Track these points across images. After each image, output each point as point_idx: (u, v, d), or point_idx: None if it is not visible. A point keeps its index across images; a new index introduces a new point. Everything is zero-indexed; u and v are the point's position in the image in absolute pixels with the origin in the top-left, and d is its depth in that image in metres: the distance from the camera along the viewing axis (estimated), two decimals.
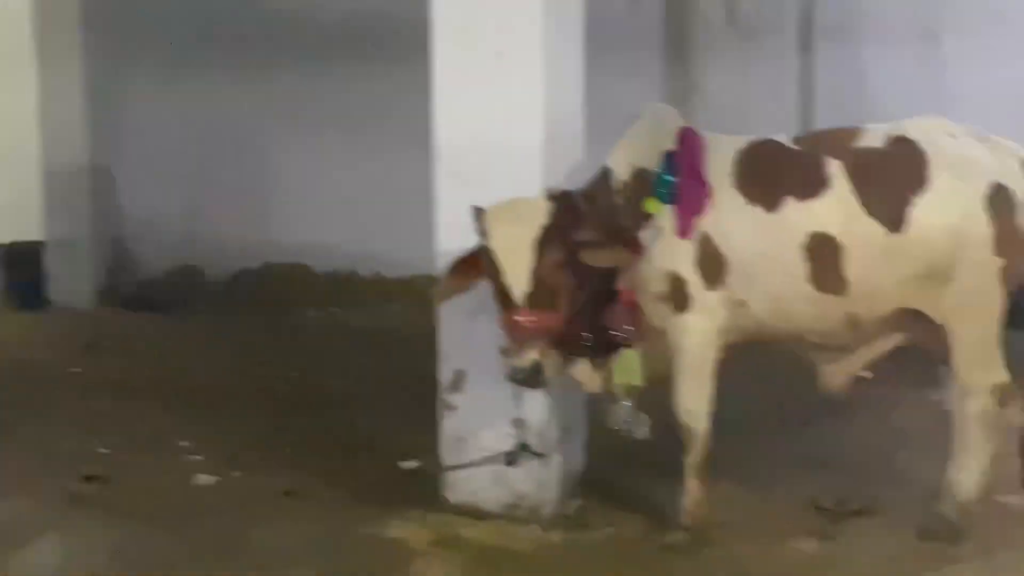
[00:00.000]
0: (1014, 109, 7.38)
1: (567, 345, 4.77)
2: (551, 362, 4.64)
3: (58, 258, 10.06)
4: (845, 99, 8.63)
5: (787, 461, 5.78)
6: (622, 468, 5.46)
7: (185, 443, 6.07)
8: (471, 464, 5.05)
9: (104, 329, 9.14)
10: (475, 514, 5.06)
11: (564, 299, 4.59)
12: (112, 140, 10.08)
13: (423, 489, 5.26)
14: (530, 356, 4.50)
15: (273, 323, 9.21)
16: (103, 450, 5.98)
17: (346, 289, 9.65)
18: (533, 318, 4.50)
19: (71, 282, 10.00)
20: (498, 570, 4.68)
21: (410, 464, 5.62)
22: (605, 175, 4.90)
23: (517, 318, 4.50)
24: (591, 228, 4.62)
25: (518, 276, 4.51)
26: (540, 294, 4.52)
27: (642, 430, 4.91)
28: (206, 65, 9.83)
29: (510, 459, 4.99)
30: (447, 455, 5.17)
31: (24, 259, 10.16)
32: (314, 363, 7.90)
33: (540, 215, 4.57)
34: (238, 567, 4.59)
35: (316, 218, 9.69)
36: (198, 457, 5.87)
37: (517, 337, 4.51)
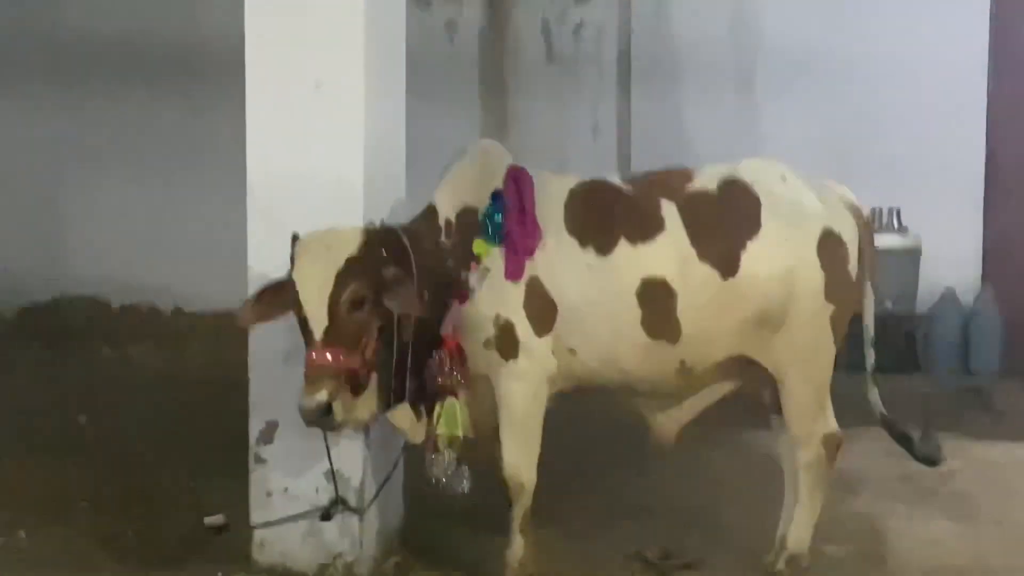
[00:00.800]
0: (822, 157, 7.45)
1: (370, 389, 4.43)
2: (344, 405, 4.28)
3: None
4: (661, 138, 8.61)
5: (610, 510, 5.60)
6: (444, 522, 5.17)
7: None
8: (282, 521, 4.69)
9: None
10: (286, 575, 4.69)
11: (366, 339, 4.28)
12: None
13: (228, 549, 4.86)
14: (319, 396, 4.18)
15: (64, 361, 8.60)
16: None
17: (144, 325, 9.11)
18: (327, 356, 4.18)
19: None
20: None
21: (215, 520, 5.20)
22: (430, 213, 4.63)
23: (312, 354, 4.19)
24: (398, 268, 4.32)
25: (316, 309, 4.20)
26: (338, 331, 4.21)
27: (462, 483, 4.62)
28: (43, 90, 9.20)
29: (325, 514, 4.65)
30: (255, 511, 4.78)
31: None
32: (108, 406, 7.35)
33: (349, 247, 4.27)
34: None
35: (112, 250, 9.15)
36: None
37: (310, 374, 4.20)
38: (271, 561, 4.74)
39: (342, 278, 4.22)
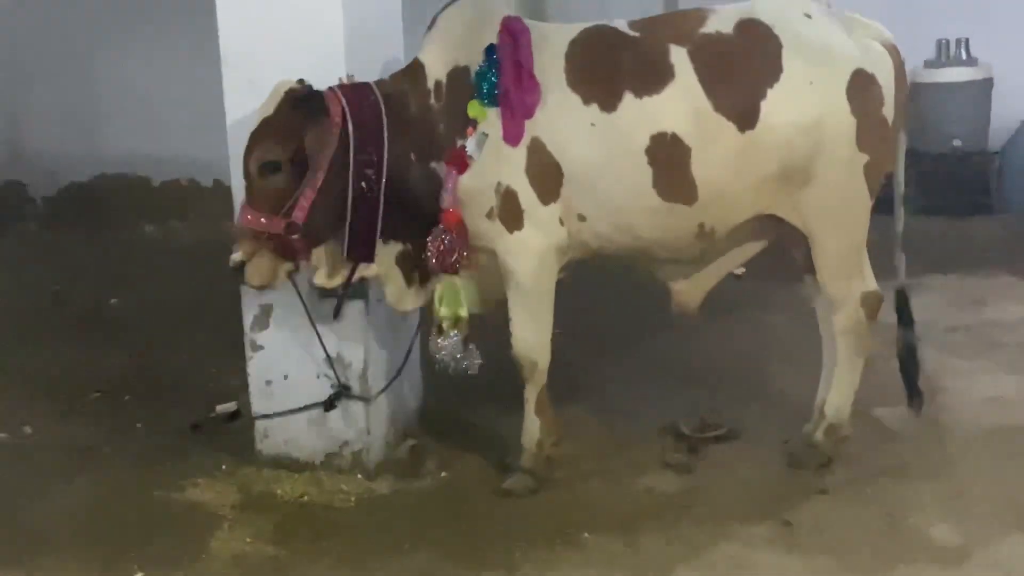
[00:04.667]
0: None
1: (297, 253, 4.13)
2: (261, 268, 4.08)
3: None
4: None
5: (646, 381, 5.30)
6: (465, 402, 4.91)
7: None
8: (283, 413, 4.46)
9: None
10: (291, 466, 4.47)
11: (293, 204, 4.00)
12: None
13: (235, 438, 4.66)
14: (234, 255, 4.07)
15: (104, 240, 8.47)
16: None
17: (185, 200, 8.90)
18: (248, 217, 4.02)
19: None
20: (314, 531, 4.09)
21: (227, 407, 4.99)
22: (416, 71, 4.25)
23: (237, 214, 4.07)
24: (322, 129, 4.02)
25: (243, 171, 4.07)
26: (253, 194, 4.05)
27: (473, 365, 4.32)
28: None
29: (328, 404, 4.40)
30: (256, 401, 4.55)
31: None
32: (145, 285, 7.22)
33: (268, 108, 4.03)
34: (3, 542, 3.97)
35: (151, 126, 8.90)
36: None
37: (233, 233, 4.10)
38: (276, 451, 4.51)
39: (254, 140, 4.02)
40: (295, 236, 4.03)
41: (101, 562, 3.85)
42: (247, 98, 4.26)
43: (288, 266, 4.14)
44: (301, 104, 4.01)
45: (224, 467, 4.48)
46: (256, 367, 4.53)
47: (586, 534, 3.98)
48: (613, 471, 4.45)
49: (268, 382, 4.51)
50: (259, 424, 4.54)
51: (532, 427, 4.38)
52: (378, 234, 4.14)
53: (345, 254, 4.14)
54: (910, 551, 3.78)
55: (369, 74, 4.32)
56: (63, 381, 5.52)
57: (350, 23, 4.30)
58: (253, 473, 4.43)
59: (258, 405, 4.54)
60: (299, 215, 4.01)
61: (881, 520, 3.99)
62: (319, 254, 4.18)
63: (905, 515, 4.01)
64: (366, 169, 4.05)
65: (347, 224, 4.07)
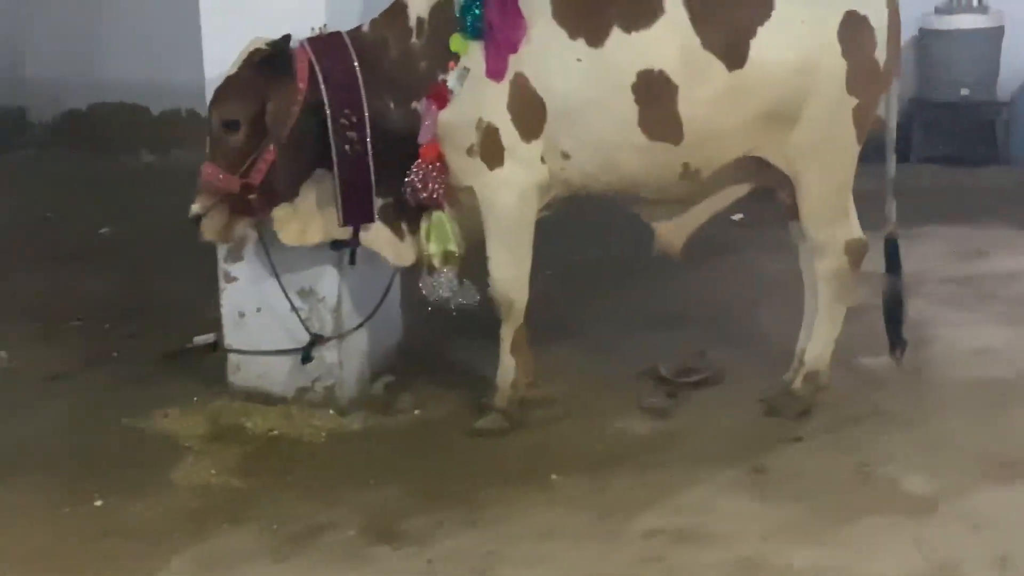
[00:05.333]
0: None
1: (255, 212, 4.12)
2: (217, 223, 4.07)
3: None
4: None
5: (630, 323, 5.23)
6: (444, 342, 4.85)
7: None
8: (255, 352, 4.42)
9: None
10: (263, 399, 4.43)
11: (250, 162, 3.99)
12: None
13: (208, 370, 4.62)
14: (192, 207, 4.05)
15: (101, 168, 8.42)
16: None
17: (184, 129, 8.81)
18: (208, 170, 4.02)
19: None
20: (281, 464, 4.07)
21: (205, 339, 4.95)
22: (397, 11, 4.16)
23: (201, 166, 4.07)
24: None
25: (208, 125, 4.08)
26: (213, 150, 4.05)
27: (470, 298, 4.27)
28: None
29: (305, 356, 4.36)
30: (230, 333, 4.51)
31: None
32: (135, 213, 7.18)
33: (232, 66, 4.02)
34: None
35: (151, 55, 8.80)
36: None
37: (197, 186, 4.07)
38: (248, 384, 4.47)
39: (216, 98, 4.03)
40: (252, 196, 4.00)
41: (62, 488, 3.84)
42: (225, 26, 4.20)
43: (245, 222, 4.13)
44: (264, 65, 3.98)
45: (195, 398, 4.45)
46: (229, 299, 4.48)
47: (554, 475, 3.94)
48: (588, 413, 4.40)
49: (241, 314, 4.46)
50: (232, 357, 4.50)
51: (507, 366, 4.33)
52: (373, 192, 4.09)
53: (342, 221, 4.11)
54: (879, 501, 3.72)
55: (347, 7, 4.24)
56: (45, 307, 5.51)
57: None
58: (224, 405, 4.40)
59: (231, 338, 4.50)
60: (256, 176, 4.01)
61: (853, 469, 3.93)
62: (286, 211, 4.14)
63: (879, 464, 3.95)
64: (347, 132, 4.00)
65: (337, 189, 4.04)
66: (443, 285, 4.26)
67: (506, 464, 4.03)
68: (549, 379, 4.51)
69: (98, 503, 3.76)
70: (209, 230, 4.08)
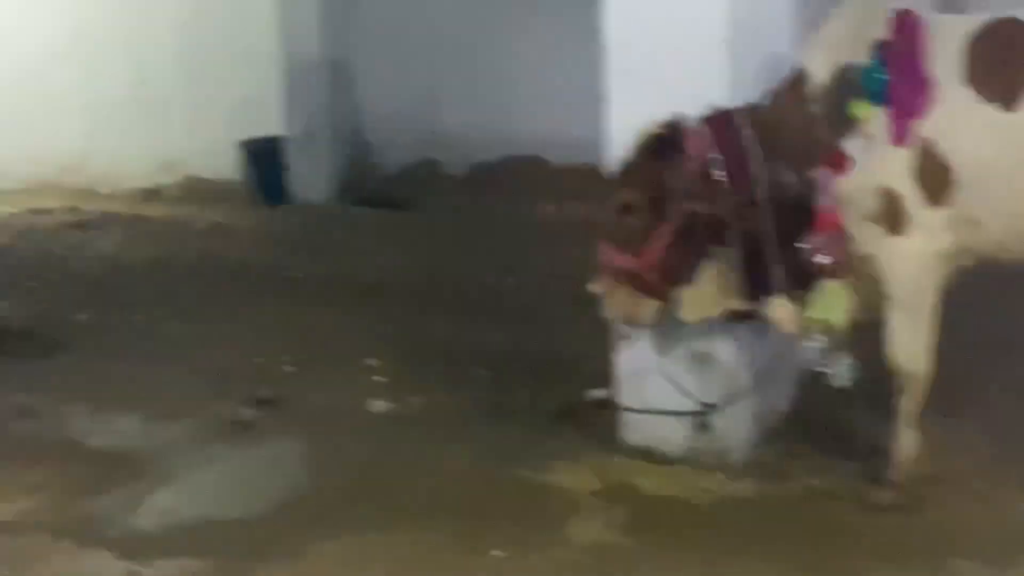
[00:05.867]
0: None
1: (657, 291, 4.15)
2: (617, 302, 4.19)
3: (297, 153, 9.94)
4: None
5: None
6: (839, 409, 4.73)
7: (372, 362, 5.71)
8: (650, 411, 4.47)
9: (338, 227, 8.99)
10: (654, 458, 4.47)
11: (648, 244, 4.05)
12: (350, 32, 9.79)
13: (600, 424, 4.71)
14: (590, 287, 4.19)
15: (507, 219, 8.81)
16: (288, 368, 5.70)
17: (585, 184, 9.06)
18: (607, 251, 4.13)
19: (310, 177, 9.88)
20: (670, 526, 4.08)
21: (599, 393, 5.04)
22: (796, 80, 4.13)
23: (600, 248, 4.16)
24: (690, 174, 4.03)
25: (607, 208, 4.18)
26: (611, 231, 4.16)
27: (844, 374, 4.17)
28: None
29: (700, 423, 4.39)
30: (624, 392, 4.58)
31: (265, 154, 10.10)
32: (537, 264, 7.46)
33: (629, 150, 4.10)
34: (373, 508, 4.19)
35: (556, 110, 9.13)
36: (381, 379, 5.50)
37: (596, 265, 4.18)
38: (639, 442, 4.53)
39: (614, 182, 4.14)
40: (651, 276, 4.06)
41: (460, 536, 3.99)
42: (627, 87, 4.31)
43: (647, 302, 4.19)
44: (659, 147, 4.06)
45: (587, 453, 4.54)
46: (624, 358, 4.56)
47: (954, 559, 3.76)
48: (995, 493, 4.18)
49: (636, 373, 4.53)
50: (625, 414, 4.57)
51: (906, 440, 4.18)
52: (772, 265, 4.08)
53: (741, 294, 4.14)
54: None
55: (750, 71, 4.26)
56: (448, 355, 5.77)
57: (736, 16, 4.23)
58: (615, 462, 4.47)
59: (625, 396, 4.57)
60: (652, 256, 4.05)
61: None
62: (687, 290, 4.19)
63: None
64: (743, 208, 4.03)
65: (736, 264, 4.08)
66: (819, 354, 4.19)
67: (900, 543, 3.88)
68: (950, 456, 4.32)
69: (495, 553, 3.89)
70: (612, 310, 4.18)
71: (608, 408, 4.88)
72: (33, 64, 11.11)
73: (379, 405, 5.16)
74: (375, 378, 5.51)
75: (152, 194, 10.74)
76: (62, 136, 11.09)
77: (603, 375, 5.13)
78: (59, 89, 11.12)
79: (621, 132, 4.27)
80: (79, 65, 11.04)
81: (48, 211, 10.07)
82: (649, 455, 4.49)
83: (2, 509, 4.22)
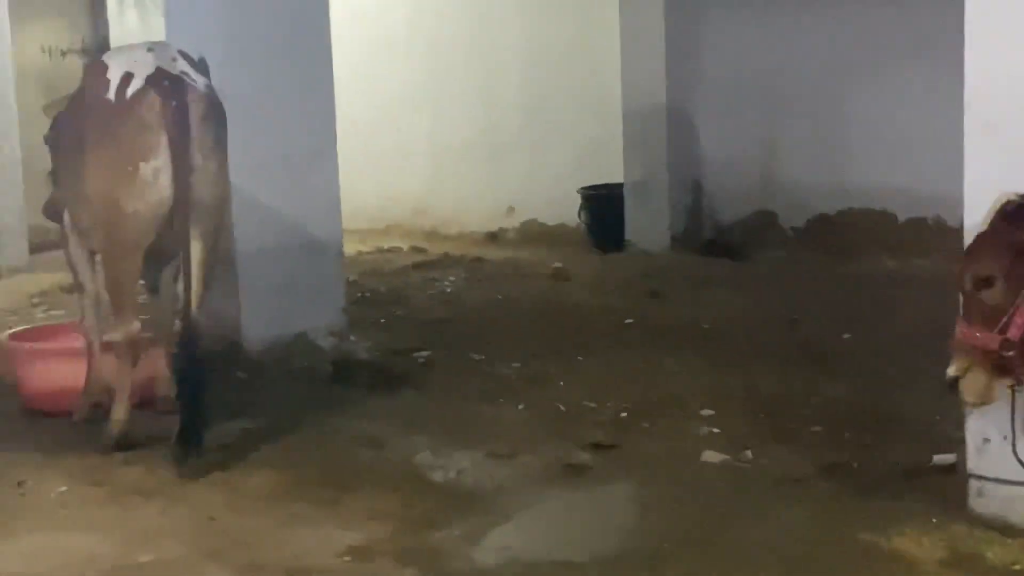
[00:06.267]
0: None
1: (1014, 371, 3.88)
2: (976, 384, 3.90)
3: (635, 200, 10.05)
4: None
5: None
6: None
7: (707, 411, 5.68)
8: (1001, 481, 4.23)
9: (673, 275, 9.02)
10: (1006, 529, 4.23)
11: (1009, 319, 3.79)
12: (690, 82, 9.85)
13: (946, 490, 4.51)
14: (948, 369, 3.92)
15: (846, 273, 8.63)
16: (623, 414, 5.74)
17: (929, 239, 8.76)
18: (963, 330, 3.87)
19: (647, 225, 9.97)
20: None
21: (945, 459, 4.84)
22: None
23: (955, 326, 3.92)
24: None
25: (961, 280, 3.93)
26: (969, 307, 3.90)
27: None
28: (782, 2, 9.32)
29: None
30: (972, 458, 4.37)
31: (603, 200, 10.27)
32: (876, 320, 7.26)
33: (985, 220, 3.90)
34: (705, 559, 4.13)
35: (898, 160, 8.90)
36: (715, 430, 5.45)
37: (950, 345, 3.94)
38: (990, 512, 4.29)
39: (968, 255, 3.95)
40: (1011, 353, 3.85)
41: None
42: (988, 144, 4.14)
43: (1005, 381, 3.97)
44: (1015, 216, 3.85)
45: (934, 520, 4.34)
46: (974, 423, 4.34)
47: None
48: None
49: (986, 440, 4.30)
50: (973, 481, 4.36)
51: None
52: None
53: None
54: None
55: None
56: (787, 409, 5.67)
57: None
58: (963, 531, 4.24)
59: (974, 463, 4.35)
60: (1015, 332, 3.83)
61: None
62: None
63: None
64: None
65: None
66: None
67: None
68: None
69: None
70: (969, 392, 3.98)
71: (956, 474, 4.67)
72: (387, 110, 11.74)
73: (713, 456, 5.11)
74: (710, 429, 5.47)
75: (493, 237, 11.10)
76: (411, 179, 11.66)
77: (948, 438, 4.96)
78: (410, 134, 11.71)
79: (979, 191, 4.10)
80: (429, 111, 11.58)
81: (396, 250, 10.57)
82: (1000, 526, 4.25)
83: (352, 533, 4.41)
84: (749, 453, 5.12)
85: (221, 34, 6.54)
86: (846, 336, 7.03)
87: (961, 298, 3.98)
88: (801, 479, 4.81)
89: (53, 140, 5.63)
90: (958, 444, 4.68)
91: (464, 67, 11.38)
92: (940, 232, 8.68)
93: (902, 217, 9.04)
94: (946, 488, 4.56)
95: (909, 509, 4.44)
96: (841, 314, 7.48)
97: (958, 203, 4.31)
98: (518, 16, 11.02)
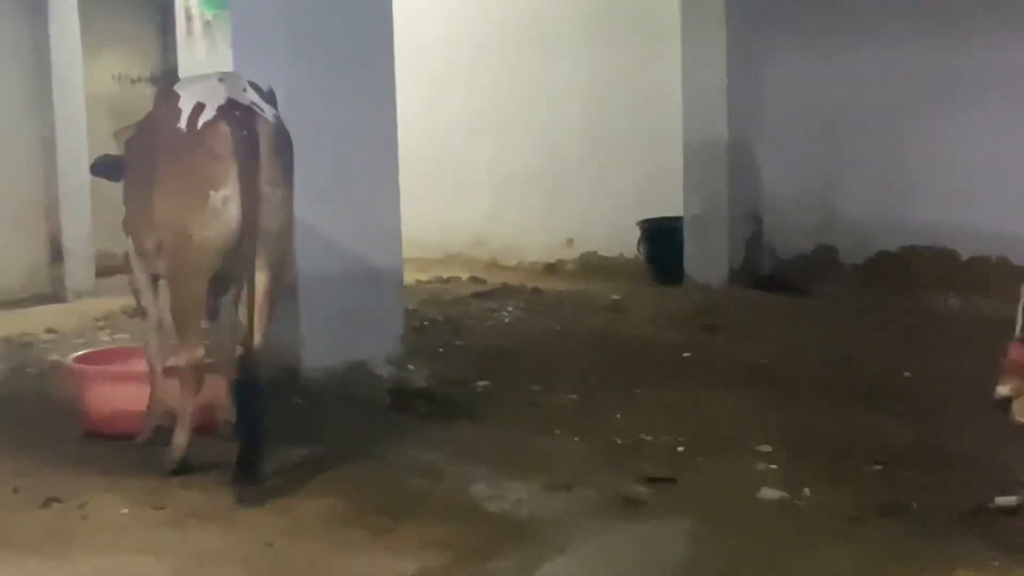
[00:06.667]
0: None
1: None
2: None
3: (694, 233, 10.04)
4: None
5: None
6: None
7: (765, 447, 5.65)
8: None
9: (731, 309, 9.01)
10: None
11: None
12: (751, 114, 9.84)
13: (1013, 534, 4.46)
14: (999, 389, 4.04)
15: (907, 311, 8.57)
16: (680, 448, 5.72)
17: (992, 277, 8.67)
18: (1016, 351, 3.99)
19: (706, 259, 9.95)
20: None
21: (1008, 501, 4.78)
22: None
23: (1009, 346, 4.04)
24: None
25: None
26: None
27: None
28: (845, 35, 9.30)
29: None
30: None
31: (663, 233, 10.27)
32: (937, 359, 7.20)
33: None
34: None
35: (961, 198, 8.83)
36: (772, 466, 5.43)
37: (1001, 367, 4.06)
38: None
39: None
40: None
41: None
42: None
43: None
44: None
45: (995, 563, 4.29)
46: None
47: None
48: None
49: None
50: None
51: None
52: None
53: None
54: None
55: None
56: (846, 446, 5.63)
57: None
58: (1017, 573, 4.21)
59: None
60: None
61: None
62: None
63: None
64: None
65: None
66: None
67: None
68: None
69: None
70: (1021, 413, 4.00)
71: (1018, 516, 4.63)
72: (449, 140, 11.83)
73: (770, 493, 5.08)
74: (767, 465, 5.44)
75: (552, 268, 11.13)
76: (472, 209, 11.73)
77: (1010, 480, 4.91)
78: (471, 165, 11.79)
79: None
80: (490, 142, 11.66)
81: (455, 280, 10.62)
82: None
83: (406, 562, 4.42)
84: (807, 491, 5.08)
85: (287, 64, 6.63)
86: (907, 374, 6.98)
87: (1019, 319, 4.00)
88: (859, 518, 4.77)
89: (121, 164, 5.71)
90: (1020, 486, 4.65)
91: (525, 99, 11.44)
92: (1003, 271, 8.59)
93: (965, 255, 8.93)
94: (1008, 531, 4.53)
95: (969, 551, 4.39)
96: (901, 352, 7.44)
97: (1022, 242, 4.28)
98: (580, 49, 11.08)
